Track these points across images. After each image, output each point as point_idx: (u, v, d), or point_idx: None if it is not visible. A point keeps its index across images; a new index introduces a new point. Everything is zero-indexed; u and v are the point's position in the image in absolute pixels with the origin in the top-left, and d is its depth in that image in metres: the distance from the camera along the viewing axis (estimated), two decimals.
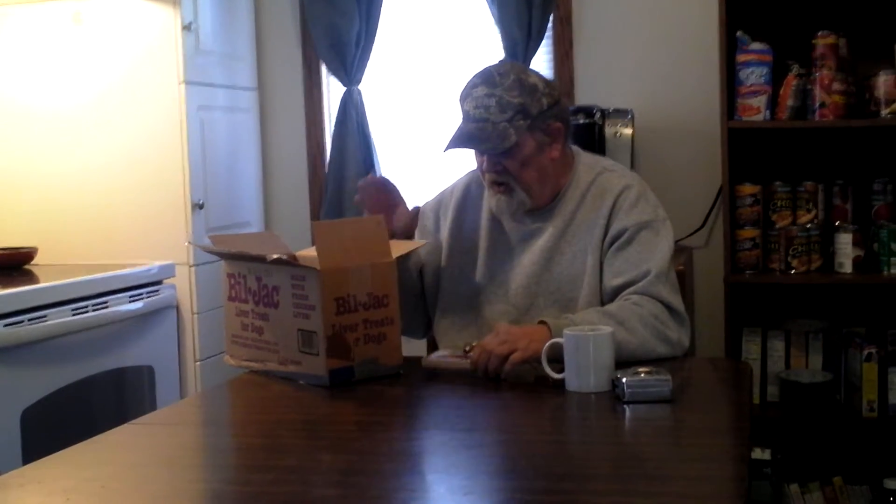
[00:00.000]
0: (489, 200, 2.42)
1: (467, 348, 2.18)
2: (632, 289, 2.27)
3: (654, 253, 2.31)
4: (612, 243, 2.33)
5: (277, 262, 2.08)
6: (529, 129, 2.30)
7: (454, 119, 2.38)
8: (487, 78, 2.31)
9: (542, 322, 2.15)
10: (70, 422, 3.02)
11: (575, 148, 2.47)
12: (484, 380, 2.08)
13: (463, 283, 2.44)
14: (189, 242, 3.48)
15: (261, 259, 2.12)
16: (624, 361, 2.03)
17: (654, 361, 2.07)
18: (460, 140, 2.32)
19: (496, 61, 2.47)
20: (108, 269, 3.35)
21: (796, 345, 3.44)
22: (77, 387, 3.10)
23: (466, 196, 2.51)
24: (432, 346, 2.56)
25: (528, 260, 2.38)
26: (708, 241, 3.72)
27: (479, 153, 2.36)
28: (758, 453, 3.28)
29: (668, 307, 2.24)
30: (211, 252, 2.38)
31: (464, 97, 2.34)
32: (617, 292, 2.29)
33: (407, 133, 4.07)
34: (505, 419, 1.96)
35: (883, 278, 3.28)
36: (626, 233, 2.32)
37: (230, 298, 2.26)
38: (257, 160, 4.10)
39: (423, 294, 2.50)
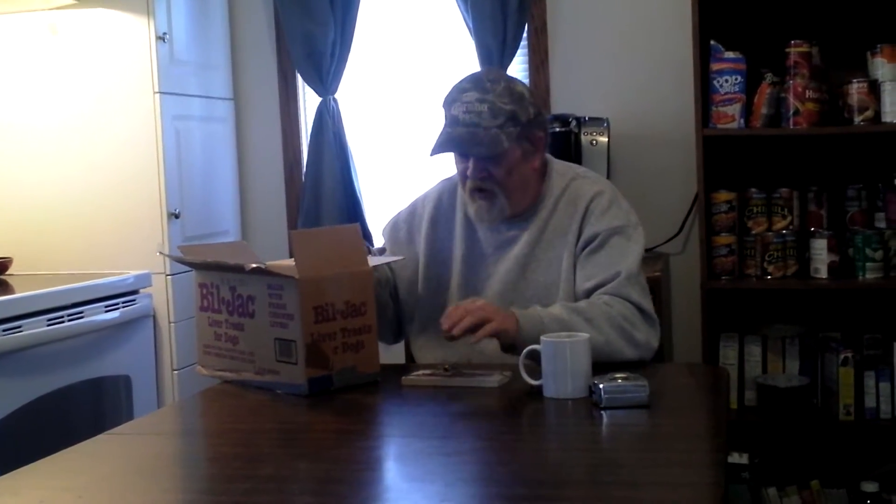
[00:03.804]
0: (468, 208, 2.41)
1: (446, 367, 2.18)
2: (602, 290, 2.28)
3: (626, 257, 2.32)
4: (584, 248, 2.35)
5: (256, 271, 2.08)
6: (517, 138, 2.32)
7: (435, 124, 2.37)
8: (478, 83, 2.32)
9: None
10: (47, 432, 3.00)
11: (547, 156, 2.48)
12: (460, 387, 2.09)
13: (440, 294, 2.43)
14: (159, 252, 3.46)
15: (239, 269, 2.11)
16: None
17: (632, 367, 2.07)
18: (451, 144, 2.32)
19: (482, 68, 2.46)
20: (83, 279, 3.33)
21: (773, 350, 3.45)
22: (53, 397, 3.08)
23: (439, 207, 2.50)
24: (409, 356, 2.56)
25: (503, 268, 2.39)
26: (684, 248, 3.73)
27: (466, 158, 2.35)
28: (735, 458, 3.29)
29: (639, 308, 2.26)
30: (184, 263, 2.37)
31: (451, 101, 2.33)
32: (588, 295, 2.30)
33: (384, 142, 4.07)
34: (482, 426, 1.96)
35: (858, 283, 3.30)
36: (597, 237, 2.33)
37: (202, 308, 2.25)
38: (233, 170, 4.09)
39: (389, 303, 2.48)
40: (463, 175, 2.38)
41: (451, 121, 2.32)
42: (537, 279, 2.36)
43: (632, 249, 2.34)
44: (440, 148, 2.33)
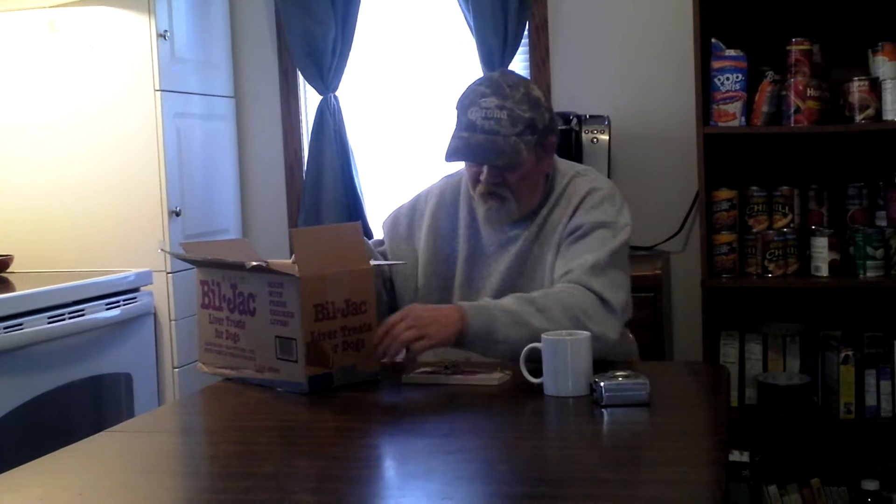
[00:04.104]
0: (477, 210, 2.40)
1: (447, 365, 2.17)
2: (566, 277, 2.25)
3: (602, 247, 2.27)
4: (567, 237, 2.32)
5: (256, 269, 2.08)
6: (534, 146, 2.30)
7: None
8: (497, 89, 2.28)
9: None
10: (47, 430, 3.00)
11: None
12: (460, 385, 2.09)
13: (442, 291, 2.43)
14: (161, 249, 3.46)
15: (239, 266, 2.11)
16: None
17: (631, 365, 2.07)
18: (469, 152, 2.28)
19: (495, 71, 2.41)
20: (84, 277, 3.33)
21: (773, 348, 3.45)
22: (54, 395, 3.08)
23: (441, 203, 2.49)
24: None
25: (503, 266, 2.38)
26: (685, 246, 3.73)
27: (479, 164, 2.32)
28: (736, 456, 3.29)
29: (600, 298, 2.20)
30: (185, 260, 2.37)
31: (467, 105, 2.29)
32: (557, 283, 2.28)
33: (385, 140, 4.07)
34: (483, 424, 1.95)
35: (859, 282, 3.30)
36: (581, 228, 2.31)
37: (203, 306, 2.25)
38: (234, 167, 4.09)
39: (383, 295, 2.45)
40: (475, 178, 2.35)
41: (468, 126, 2.28)
42: (535, 276, 2.36)
43: (611, 243, 2.29)
44: (457, 155, 2.30)
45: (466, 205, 2.46)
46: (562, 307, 2.16)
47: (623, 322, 2.27)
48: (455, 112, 2.35)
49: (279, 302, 2.06)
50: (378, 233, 2.57)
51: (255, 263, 2.07)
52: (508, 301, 2.18)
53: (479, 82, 2.33)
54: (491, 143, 2.26)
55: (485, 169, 2.31)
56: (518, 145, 2.26)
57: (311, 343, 2.03)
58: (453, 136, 2.31)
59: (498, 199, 2.33)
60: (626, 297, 2.28)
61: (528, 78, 3.83)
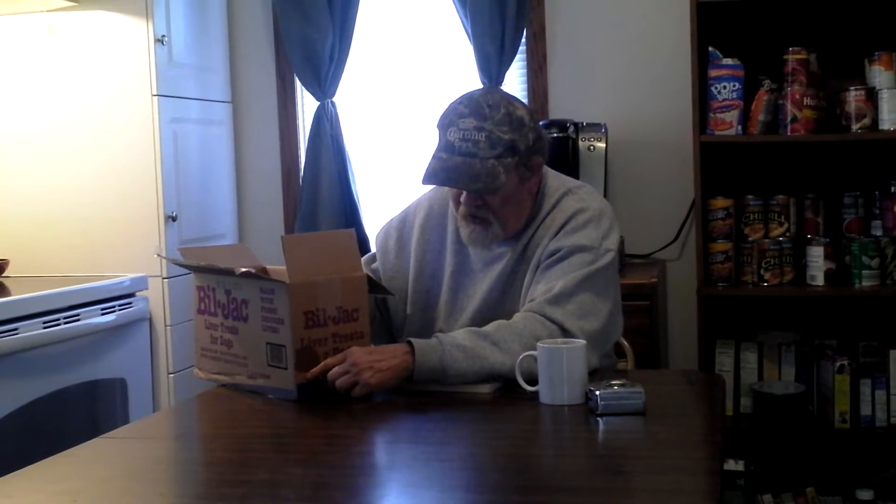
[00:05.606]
0: (460, 231, 2.33)
1: None
2: (528, 305, 2.19)
3: (574, 274, 2.19)
4: (545, 261, 2.25)
5: (246, 275, 2.07)
6: (515, 167, 2.22)
7: (430, 139, 2.29)
8: (476, 109, 2.20)
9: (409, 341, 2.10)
10: (42, 435, 3.00)
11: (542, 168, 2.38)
12: (452, 394, 2.08)
13: (429, 307, 2.39)
14: (157, 254, 3.45)
15: (229, 272, 2.11)
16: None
17: (627, 374, 2.07)
18: (445, 175, 2.21)
19: (480, 88, 2.35)
20: (80, 282, 3.33)
21: (769, 357, 3.46)
22: (49, 400, 3.08)
23: (429, 216, 2.44)
24: None
25: (486, 286, 2.31)
26: (681, 254, 3.73)
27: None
28: (731, 465, 3.29)
29: (562, 328, 2.13)
30: (179, 264, 2.37)
31: (447, 125, 2.22)
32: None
33: (381, 146, 4.07)
34: (477, 432, 1.95)
35: (854, 291, 3.30)
36: (559, 252, 2.23)
37: (200, 311, 2.24)
38: (231, 173, 4.09)
39: (376, 315, 2.41)
40: (456, 199, 2.30)
41: (446, 147, 2.21)
42: (516, 295, 2.29)
43: (585, 269, 2.20)
44: (433, 178, 2.23)
45: (454, 220, 2.38)
46: (518, 338, 2.11)
47: (598, 346, 2.19)
48: (437, 130, 2.28)
49: (270, 308, 2.06)
50: (375, 241, 2.55)
51: (244, 269, 2.07)
52: (461, 335, 2.12)
53: (459, 101, 2.25)
54: (467, 167, 2.18)
55: (464, 191, 2.26)
56: (496, 168, 2.18)
57: (300, 350, 2.03)
58: (433, 157, 2.24)
59: (480, 223, 2.27)
60: (599, 323, 2.19)
61: (520, 81, 3.85)
